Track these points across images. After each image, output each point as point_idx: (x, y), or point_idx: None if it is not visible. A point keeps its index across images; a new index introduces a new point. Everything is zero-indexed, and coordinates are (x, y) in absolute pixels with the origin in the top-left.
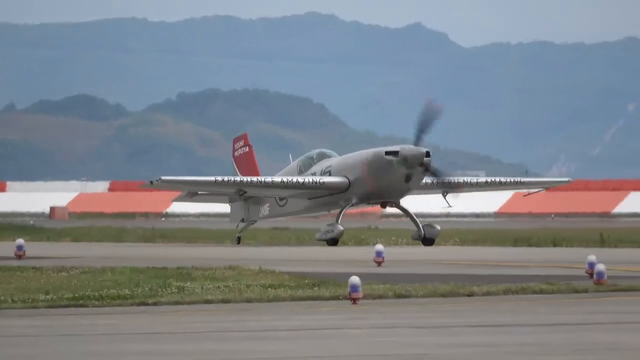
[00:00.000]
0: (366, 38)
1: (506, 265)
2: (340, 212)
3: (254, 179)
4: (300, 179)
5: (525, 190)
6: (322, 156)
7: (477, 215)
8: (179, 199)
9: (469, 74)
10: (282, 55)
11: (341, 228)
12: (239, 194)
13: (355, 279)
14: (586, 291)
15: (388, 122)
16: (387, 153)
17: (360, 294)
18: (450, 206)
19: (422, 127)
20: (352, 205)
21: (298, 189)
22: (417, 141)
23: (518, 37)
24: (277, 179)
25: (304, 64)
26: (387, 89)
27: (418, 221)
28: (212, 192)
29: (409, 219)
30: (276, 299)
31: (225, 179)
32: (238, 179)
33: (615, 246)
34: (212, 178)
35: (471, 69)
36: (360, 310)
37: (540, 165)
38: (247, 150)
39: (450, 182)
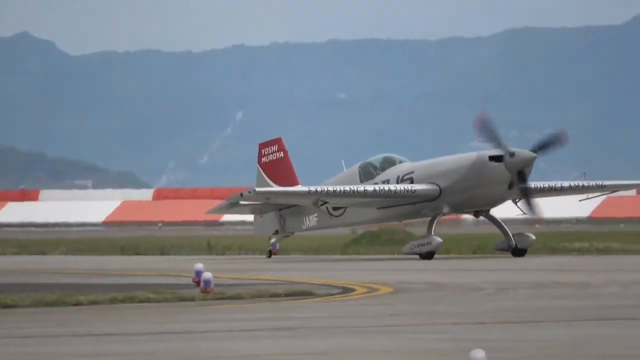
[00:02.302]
0: None
1: (114, 274)
2: (432, 222)
3: (346, 188)
4: (392, 187)
5: (585, 195)
6: (388, 162)
7: (82, 225)
8: (215, 211)
9: (77, 82)
10: None
11: (440, 240)
12: (318, 205)
13: None
14: (193, 300)
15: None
16: (491, 158)
17: None
18: (525, 213)
19: (545, 146)
20: (443, 214)
21: (389, 198)
22: (534, 151)
23: (125, 46)
24: (370, 187)
25: None
26: None
27: (508, 230)
28: (287, 203)
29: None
30: None
31: (318, 188)
32: (331, 188)
33: (223, 254)
34: (306, 188)
35: (80, 77)
36: None
37: (150, 173)
38: (282, 155)
39: (543, 188)
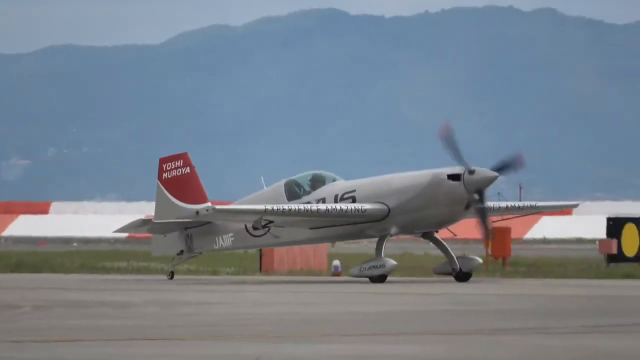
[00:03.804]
0: None
1: None
2: (382, 243)
3: (300, 207)
4: (343, 206)
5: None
6: (318, 180)
7: None
8: (124, 230)
9: None
10: None
11: (394, 262)
12: (261, 226)
13: None
14: None
15: None
16: (449, 176)
17: None
18: (455, 235)
19: (504, 167)
20: (391, 235)
21: (340, 217)
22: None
23: None
24: (322, 207)
25: None
26: None
27: (452, 252)
28: (236, 220)
29: (439, 249)
30: None
31: (275, 207)
32: (286, 207)
33: None
34: (262, 207)
35: None
36: None
37: None
38: (189, 171)
39: (497, 208)
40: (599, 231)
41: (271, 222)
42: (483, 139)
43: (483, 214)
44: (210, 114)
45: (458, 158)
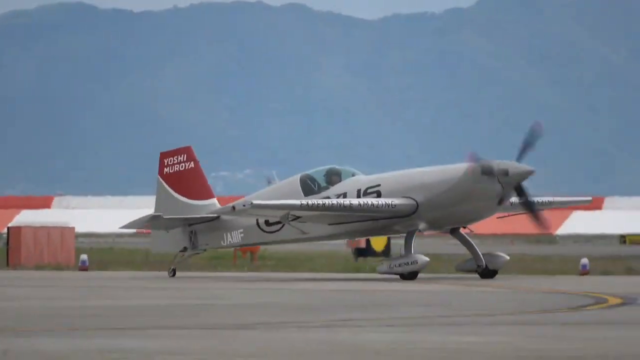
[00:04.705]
0: None
1: None
2: (411, 240)
3: (333, 202)
4: (375, 201)
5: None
6: (335, 174)
7: None
8: (131, 226)
9: None
10: None
11: (426, 258)
12: (288, 220)
13: None
14: None
15: None
16: (483, 171)
17: None
18: (472, 232)
19: (527, 146)
20: (419, 231)
21: (371, 212)
22: (519, 158)
23: None
24: (355, 201)
25: None
26: None
27: (477, 249)
28: (266, 215)
29: (465, 246)
30: None
31: (310, 202)
32: (320, 202)
33: None
34: (298, 202)
35: None
36: None
37: None
38: (193, 166)
39: (539, 203)
40: None
41: (297, 217)
42: (228, 134)
43: (531, 206)
44: None
45: (521, 153)
